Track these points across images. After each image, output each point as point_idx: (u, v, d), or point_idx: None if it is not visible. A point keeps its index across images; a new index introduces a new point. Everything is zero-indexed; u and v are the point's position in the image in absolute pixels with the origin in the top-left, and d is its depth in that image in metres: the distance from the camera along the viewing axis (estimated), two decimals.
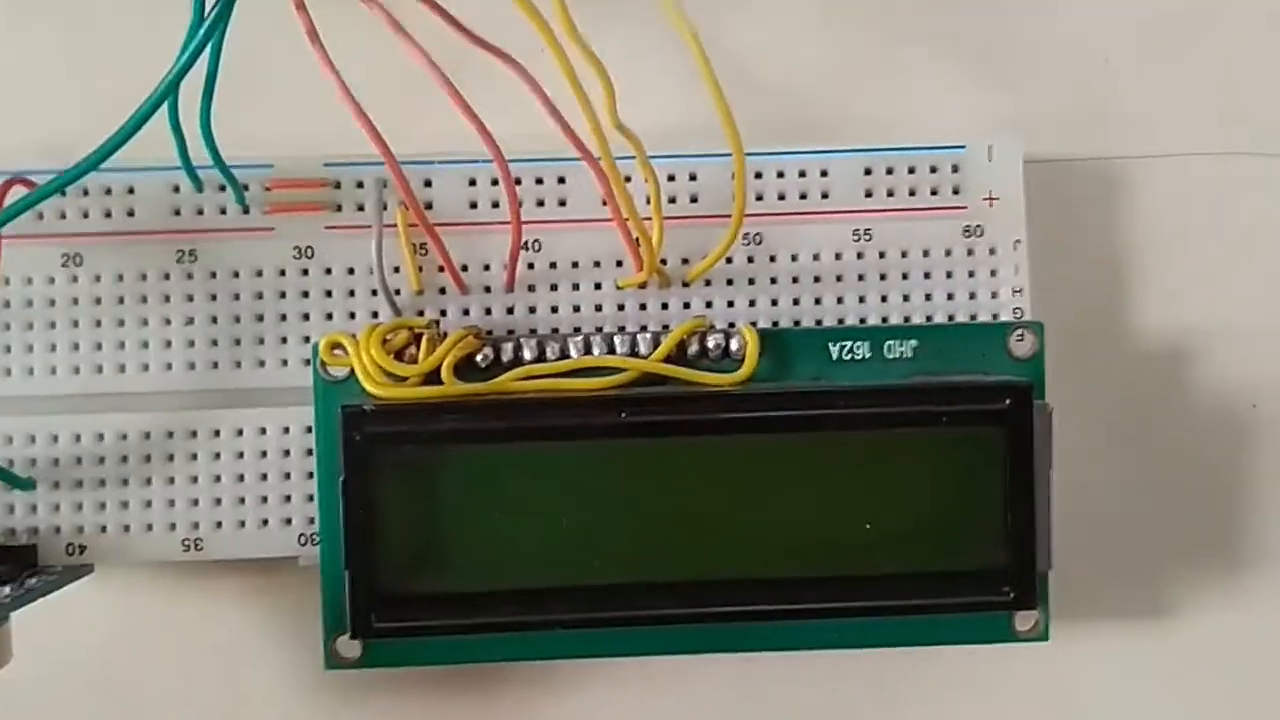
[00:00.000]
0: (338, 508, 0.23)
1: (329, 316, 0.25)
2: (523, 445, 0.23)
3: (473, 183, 0.25)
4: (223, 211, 0.25)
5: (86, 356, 0.24)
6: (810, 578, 0.23)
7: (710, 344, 0.24)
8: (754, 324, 0.25)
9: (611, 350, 0.24)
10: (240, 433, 0.25)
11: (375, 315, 0.25)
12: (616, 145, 0.22)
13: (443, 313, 0.25)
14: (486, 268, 0.25)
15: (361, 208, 0.25)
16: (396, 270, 0.25)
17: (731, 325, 0.25)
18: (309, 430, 0.24)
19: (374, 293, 0.25)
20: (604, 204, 0.24)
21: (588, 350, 0.24)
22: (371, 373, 0.23)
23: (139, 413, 0.24)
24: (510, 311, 0.25)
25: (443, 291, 0.25)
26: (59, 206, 0.24)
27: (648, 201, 0.24)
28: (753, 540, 0.23)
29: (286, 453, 0.25)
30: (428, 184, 0.25)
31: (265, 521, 0.25)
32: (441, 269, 0.25)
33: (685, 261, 0.25)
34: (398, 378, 0.23)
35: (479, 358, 0.24)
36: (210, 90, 0.22)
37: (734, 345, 0.24)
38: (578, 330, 0.25)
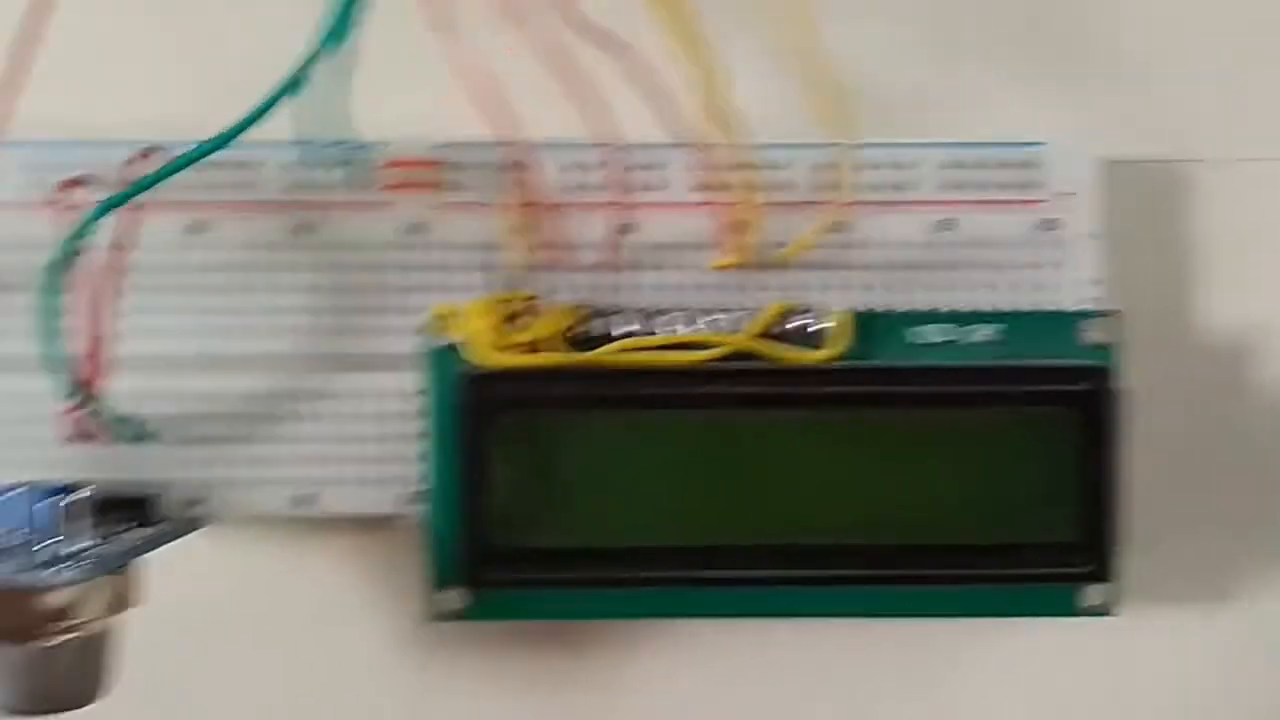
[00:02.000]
0: (448, 466, 0.25)
1: (439, 289, 0.26)
2: (624, 412, 0.25)
3: (574, 165, 0.26)
4: (337, 188, 0.26)
5: (209, 320, 0.26)
6: (893, 545, 0.25)
7: (800, 323, 0.25)
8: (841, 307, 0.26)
9: (707, 327, 0.25)
10: (350, 396, 0.26)
11: (483, 289, 0.26)
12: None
13: (547, 289, 0.26)
14: (586, 247, 0.26)
15: (473, 187, 0.26)
16: (503, 249, 0.26)
17: (819, 307, 0.26)
18: (414, 395, 0.26)
19: (483, 268, 0.26)
20: (702, 188, 0.26)
21: (685, 326, 0.25)
22: (483, 341, 0.25)
23: (257, 374, 0.26)
24: (609, 290, 0.26)
25: (547, 269, 0.26)
26: (183, 178, 0.26)
27: (742, 187, 0.25)
28: (838, 509, 0.25)
29: (392, 416, 0.26)
30: (532, 166, 0.26)
31: (370, 480, 0.26)
32: (546, 247, 0.26)
33: (777, 246, 0.26)
34: (506, 346, 0.25)
35: (582, 330, 0.25)
36: (347, 69, 0.24)
37: (822, 326, 0.25)
38: (673, 308, 0.26)
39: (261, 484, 0.26)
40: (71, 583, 0.21)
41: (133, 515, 0.25)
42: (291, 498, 0.26)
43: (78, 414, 0.25)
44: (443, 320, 0.25)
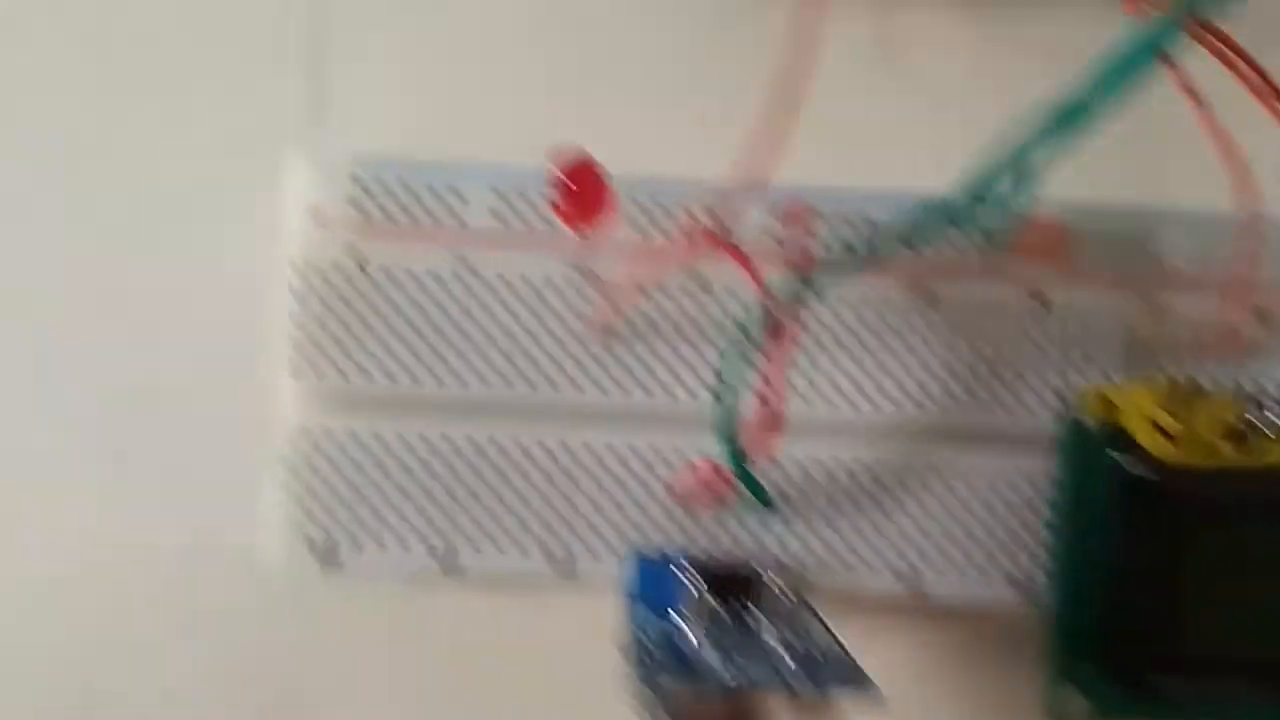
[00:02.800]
0: (1088, 561, 0.23)
1: (1070, 364, 0.24)
2: None
3: (1206, 237, 0.24)
4: (958, 250, 0.24)
5: (820, 386, 0.24)
6: None
7: None
8: None
9: None
10: (966, 472, 0.24)
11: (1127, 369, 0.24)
12: None
13: (1184, 371, 0.24)
14: (1223, 327, 0.24)
15: (1108, 256, 0.24)
16: (1141, 326, 0.24)
17: None
18: (1041, 478, 0.24)
19: (1124, 346, 0.24)
20: None
21: None
22: (1143, 430, 0.23)
23: (869, 443, 0.24)
24: (1247, 375, 0.25)
25: (1188, 351, 0.25)
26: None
27: None
28: None
29: (1010, 497, 0.24)
30: (1163, 237, 0.25)
31: (979, 565, 0.24)
32: (1181, 326, 0.24)
33: None
34: (1167, 436, 0.23)
35: (1243, 423, 0.24)
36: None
37: None
38: None
39: (864, 562, 0.24)
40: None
41: (726, 592, 0.24)
42: (893, 575, 0.24)
43: (718, 480, 0.23)
44: (1092, 401, 0.23)
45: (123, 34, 0.25)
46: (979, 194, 0.21)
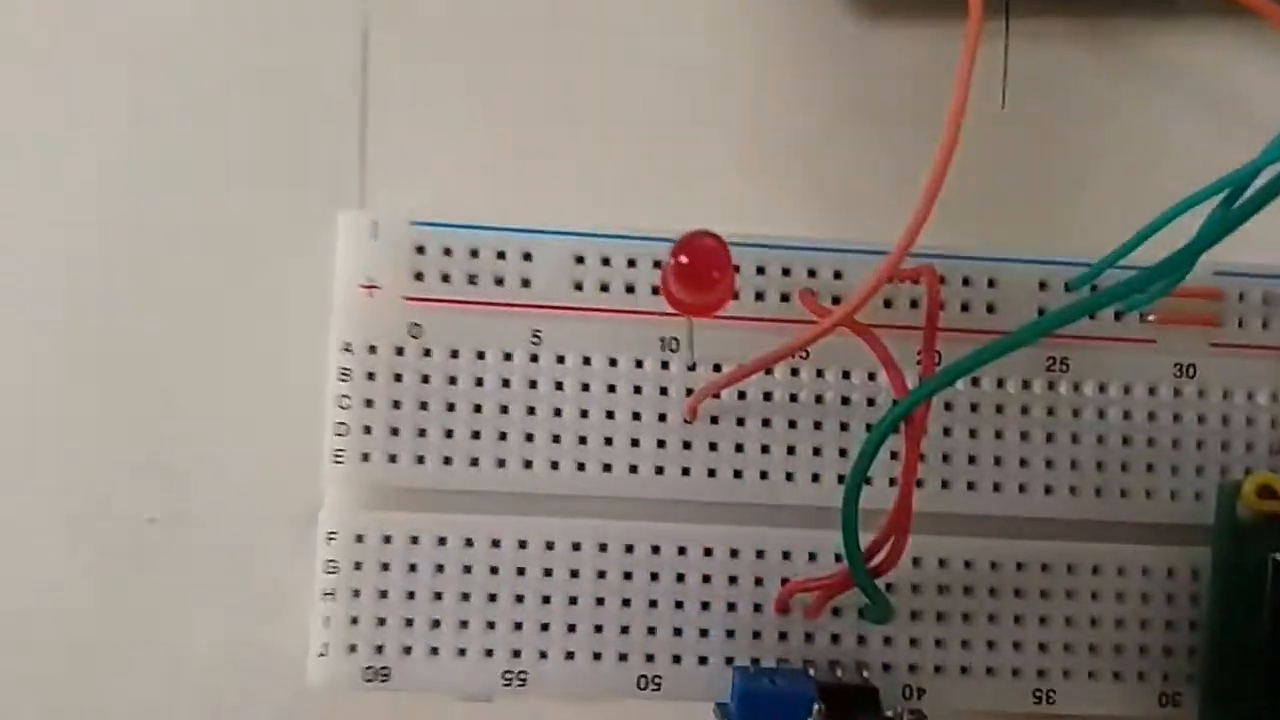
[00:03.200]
0: (1253, 671, 0.20)
1: (1214, 445, 0.22)
2: None
3: None
4: (1093, 317, 0.22)
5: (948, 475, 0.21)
6: None
7: None
8: None
9: None
10: (1101, 570, 0.21)
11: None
12: None
13: None
14: None
15: (1257, 324, 0.22)
16: None
17: None
18: (1190, 573, 0.21)
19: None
20: None
21: None
22: None
23: (987, 538, 0.21)
24: None
25: None
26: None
27: None
28: None
29: (1156, 601, 0.22)
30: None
31: (1118, 675, 0.21)
32: None
33: None
34: None
35: None
36: None
37: None
38: None
39: (989, 672, 0.21)
40: None
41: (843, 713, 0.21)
42: (1033, 692, 0.21)
43: (833, 585, 0.20)
44: (1255, 492, 0.20)
45: (172, 103, 0.22)
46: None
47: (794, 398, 0.21)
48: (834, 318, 0.18)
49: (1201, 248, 0.17)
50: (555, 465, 0.21)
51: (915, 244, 0.17)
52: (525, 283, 0.21)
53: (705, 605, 0.21)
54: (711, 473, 0.21)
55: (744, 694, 0.20)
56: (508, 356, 0.21)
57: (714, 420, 0.21)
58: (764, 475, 0.21)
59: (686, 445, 0.21)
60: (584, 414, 0.21)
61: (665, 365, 0.21)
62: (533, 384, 0.21)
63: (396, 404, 0.21)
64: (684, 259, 0.18)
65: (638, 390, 0.21)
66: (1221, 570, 0.21)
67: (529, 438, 0.21)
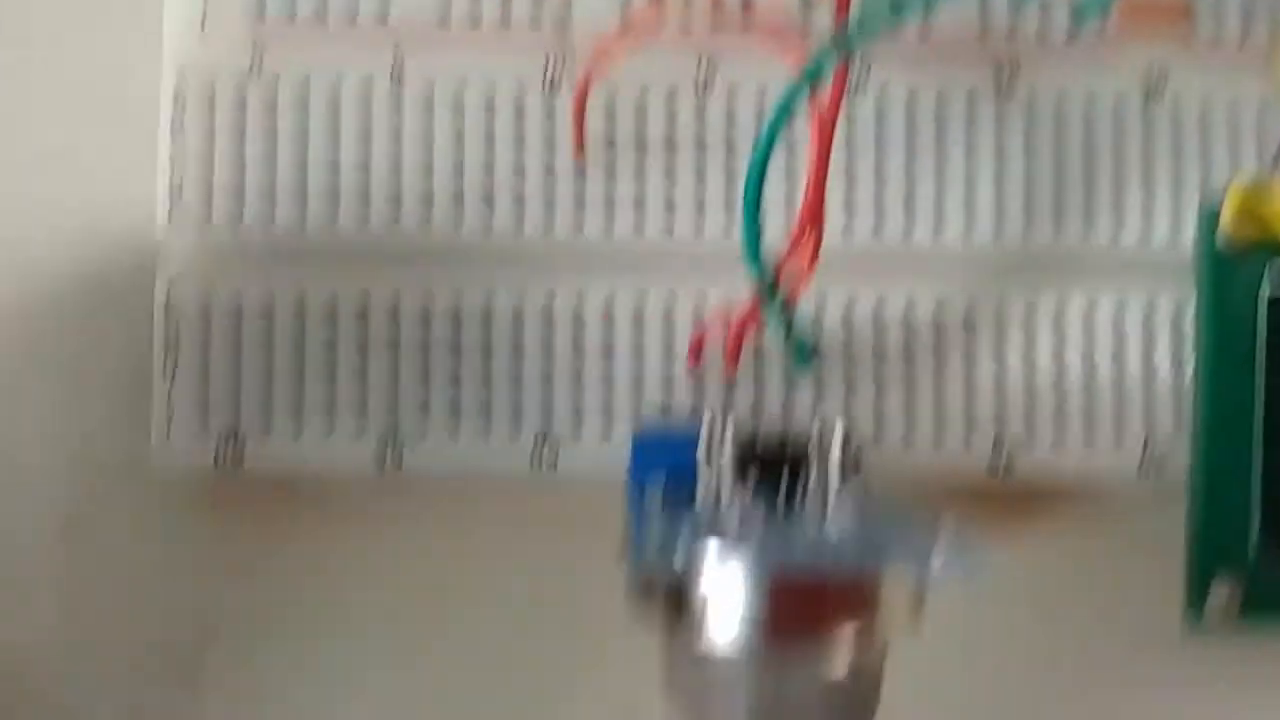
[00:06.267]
0: (1244, 419, 0.18)
1: (1188, 161, 0.19)
2: None
3: None
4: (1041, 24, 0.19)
5: (867, 206, 0.18)
6: None
7: None
8: None
9: None
10: (1063, 314, 0.19)
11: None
12: None
13: None
14: None
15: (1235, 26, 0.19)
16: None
17: None
18: (1163, 312, 0.19)
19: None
20: None
21: None
22: None
23: (937, 277, 0.19)
24: None
25: None
26: None
27: None
28: None
29: (1122, 344, 0.19)
30: None
31: (1088, 439, 0.19)
32: None
33: None
34: None
35: None
36: None
37: None
38: None
39: (931, 433, 0.19)
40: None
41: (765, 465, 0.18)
42: (967, 448, 0.19)
43: (742, 330, 0.17)
44: (1232, 209, 0.18)
45: None
46: None
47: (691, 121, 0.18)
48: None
49: None
50: (424, 219, 0.18)
51: None
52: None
53: (609, 374, 0.18)
54: (603, 216, 0.18)
55: (645, 452, 0.17)
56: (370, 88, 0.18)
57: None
58: (665, 217, 0.18)
59: (576, 189, 0.18)
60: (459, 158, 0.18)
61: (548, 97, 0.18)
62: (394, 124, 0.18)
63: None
64: None
65: (519, 127, 0.18)
66: (1202, 306, 0.18)
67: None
